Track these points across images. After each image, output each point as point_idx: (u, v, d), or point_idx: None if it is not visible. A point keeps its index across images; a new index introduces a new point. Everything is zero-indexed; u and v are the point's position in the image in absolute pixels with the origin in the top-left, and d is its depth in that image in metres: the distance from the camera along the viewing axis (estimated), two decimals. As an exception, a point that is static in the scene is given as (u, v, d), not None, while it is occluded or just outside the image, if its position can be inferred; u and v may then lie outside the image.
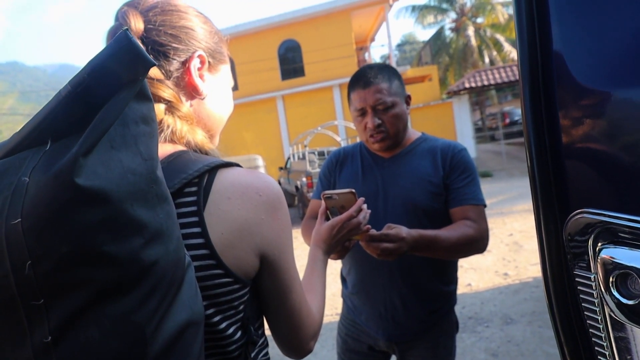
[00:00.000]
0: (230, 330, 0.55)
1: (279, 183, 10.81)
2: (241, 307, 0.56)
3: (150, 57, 0.41)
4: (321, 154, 10.61)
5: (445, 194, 1.18)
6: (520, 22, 0.39)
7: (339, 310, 3.52)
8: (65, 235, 0.36)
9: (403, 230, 1.01)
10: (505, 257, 4.37)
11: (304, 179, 8.15)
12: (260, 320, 0.63)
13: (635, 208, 0.31)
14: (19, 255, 0.36)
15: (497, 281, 3.73)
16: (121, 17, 0.56)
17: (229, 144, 14.70)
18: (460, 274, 3.99)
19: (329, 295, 3.97)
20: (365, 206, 0.90)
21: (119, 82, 0.39)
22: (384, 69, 1.20)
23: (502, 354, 2.51)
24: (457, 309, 3.20)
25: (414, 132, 1.30)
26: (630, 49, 0.33)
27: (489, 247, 4.86)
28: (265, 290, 0.59)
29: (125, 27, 0.41)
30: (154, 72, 0.56)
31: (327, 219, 0.91)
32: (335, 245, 0.85)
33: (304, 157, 8.82)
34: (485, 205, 1.18)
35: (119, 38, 0.40)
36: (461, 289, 3.64)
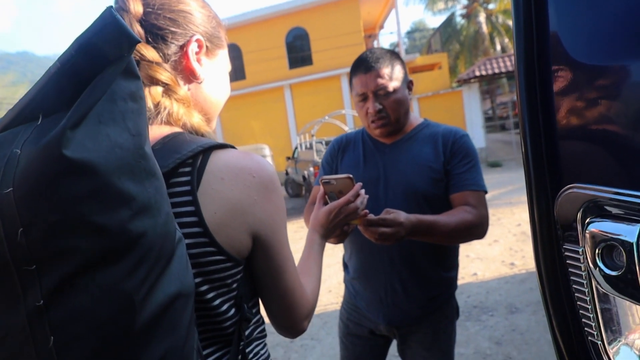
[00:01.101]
0: (224, 307, 0.57)
1: (287, 173, 10.83)
2: (234, 285, 0.57)
3: (135, 34, 0.42)
4: (328, 143, 10.57)
5: (446, 179, 1.18)
6: (517, 5, 0.39)
7: (345, 298, 3.57)
8: (54, 205, 0.37)
9: (401, 215, 1.01)
10: (513, 247, 4.35)
11: (311, 169, 8.16)
12: (255, 299, 0.64)
13: (621, 181, 0.32)
14: (11, 223, 0.37)
15: (504, 271, 3.73)
16: (121, 0, 0.57)
17: (237, 133, 14.75)
18: (467, 263, 4.00)
19: (335, 283, 4.00)
20: (363, 191, 0.91)
21: (105, 58, 0.41)
22: (386, 54, 1.20)
23: (506, 342, 2.52)
24: (462, 297, 3.21)
25: (416, 118, 1.29)
26: (622, 26, 0.33)
27: (496, 237, 4.84)
28: (259, 270, 0.60)
29: (110, 5, 0.42)
30: (151, 55, 0.57)
31: (326, 203, 0.92)
32: (333, 229, 0.86)
33: (311, 147, 8.83)
34: (485, 191, 1.18)
35: (104, 15, 0.41)
36: (467, 278, 3.65)
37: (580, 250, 0.35)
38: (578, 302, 0.36)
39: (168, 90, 0.59)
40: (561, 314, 0.37)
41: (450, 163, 1.18)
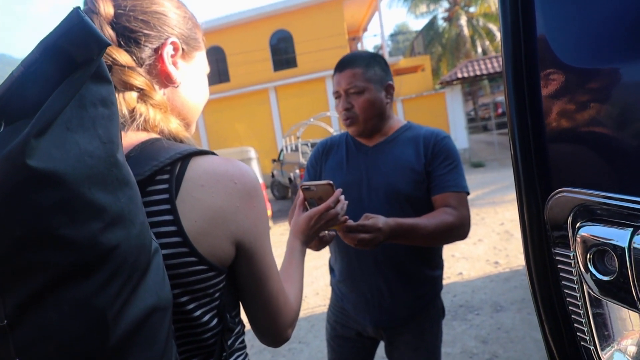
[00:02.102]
0: (206, 318, 0.55)
1: (272, 175, 10.78)
2: (217, 294, 0.56)
3: (103, 36, 0.39)
4: (314, 145, 10.59)
5: (428, 181, 1.19)
6: (504, 2, 0.39)
7: (332, 300, 3.56)
8: (19, 218, 0.35)
9: (380, 220, 1.01)
10: (497, 246, 4.42)
11: (297, 171, 8.15)
12: (238, 308, 0.62)
13: (611, 185, 0.31)
14: None
15: (488, 269, 3.78)
16: (90, 1, 0.54)
17: (222, 136, 14.61)
18: (452, 263, 4.04)
19: (323, 286, 3.99)
20: (342, 197, 0.91)
21: (73, 61, 0.38)
22: (365, 55, 1.22)
23: (492, 341, 2.55)
24: (448, 297, 3.24)
25: (398, 120, 1.30)
26: (611, 28, 0.33)
27: (480, 236, 4.91)
28: (242, 278, 0.59)
29: (77, 6, 0.40)
30: (124, 59, 0.55)
31: (306, 209, 0.92)
32: (313, 235, 0.85)
33: (297, 149, 8.81)
34: (467, 193, 1.19)
35: (70, 16, 0.38)
36: (452, 277, 3.68)
37: (571, 254, 0.35)
38: (570, 307, 0.36)
39: (143, 95, 0.56)
40: (553, 318, 0.37)
41: (431, 165, 1.19)
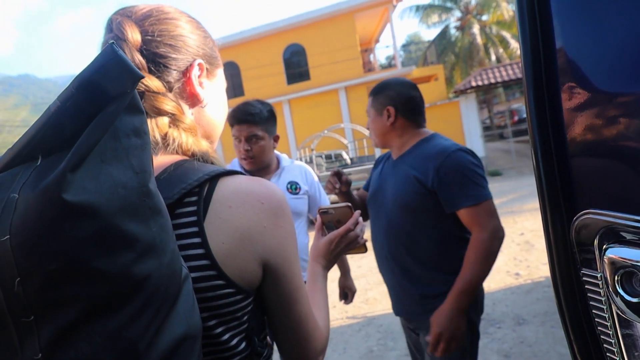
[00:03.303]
0: (234, 342, 0.54)
1: (287, 187, 10.78)
2: (245, 317, 0.55)
3: (138, 70, 0.40)
4: (328, 157, 10.60)
5: (437, 197, 1.27)
6: (523, 22, 0.40)
7: (349, 314, 3.52)
8: (54, 252, 0.35)
9: (438, 317, 1.22)
10: (517, 256, 4.32)
11: (312, 182, 8.16)
12: (265, 331, 0.61)
13: (636, 207, 0.31)
14: (8, 272, 0.36)
15: (509, 281, 3.69)
16: (117, 29, 0.55)
17: (237, 149, 14.76)
18: (472, 274, 3.95)
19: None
20: (361, 219, 0.91)
21: (107, 95, 0.39)
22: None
23: (515, 355, 2.48)
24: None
25: (419, 133, 1.39)
26: (634, 46, 0.33)
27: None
28: (270, 300, 0.57)
29: (112, 42, 0.41)
30: (155, 85, 0.55)
31: (325, 234, 0.91)
32: (334, 259, 0.83)
33: (311, 161, 8.84)
34: (486, 199, 1.23)
35: (106, 52, 0.39)
36: (473, 289, 3.60)
37: (598, 275, 0.35)
38: (599, 327, 0.36)
39: (175, 120, 0.57)
40: (582, 338, 0.37)
41: (439, 183, 1.25)
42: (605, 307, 0.35)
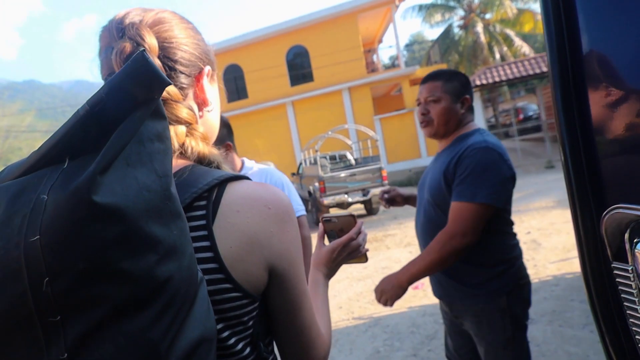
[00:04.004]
0: (239, 346, 0.54)
1: (292, 188, 10.79)
2: (250, 322, 0.55)
3: (166, 77, 0.41)
4: (332, 158, 10.59)
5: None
6: (549, 26, 0.40)
7: (355, 315, 3.52)
8: (83, 252, 0.36)
9: (385, 281, 1.34)
10: (524, 255, 4.28)
11: (317, 184, 8.17)
12: (270, 336, 0.61)
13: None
14: (37, 271, 0.36)
15: (516, 280, 3.67)
16: (136, 34, 0.54)
17: (241, 151, 14.74)
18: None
19: (345, 299, 3.95)
20: (364, 229, 0.91)
21: (135, 101, 0.40)
22: (447, 71, 1.45)
23: (525, 354, 2.47)
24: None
25: (466, 127, 1.42)
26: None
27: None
28: (275, 306, 0.58)
29: (142, 49, 0.42)
30: (174, 92, 0.56)
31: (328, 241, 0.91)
32: (336, 268, 0.83)
33: (315, 162, 8.85)
34: (473, 202, 1.22)
35: (137, 59, 0.40)
36: (479, 289, 3.59)
37: (630, 269, 0.36)
38: (631, 320, 0.37)
39: (191, 129, 0.58)
40: (614, 332, 0.38)
41: (454, 175, 1.30)
42: (637, 300, 0.36)
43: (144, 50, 0.41)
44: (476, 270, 1.33)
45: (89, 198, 0.36)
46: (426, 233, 1.40)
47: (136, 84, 0.40)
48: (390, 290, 1.31)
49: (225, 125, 1.71)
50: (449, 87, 1.38)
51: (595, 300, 0.40)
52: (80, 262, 0.36)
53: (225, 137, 1.70)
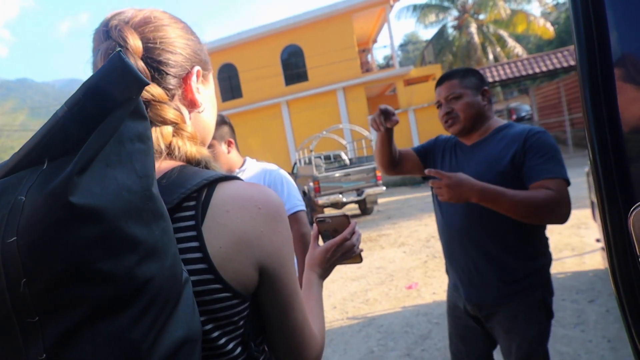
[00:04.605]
0: (230, 346, 0.54)
1: (287, 188, 10.77)
2: (241, 322, 0.55)
3: (143, 77, 0.41)
4: (327, 158, 10.60)
5: (519, 173, 1.28)
6: (578, 26, 0.40)
7: (350, 314, 3.52)
8: (60, 253, 0.36)
9: (461, 175, 1.20)
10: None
11: (311, 184, 8.16)
12: (262, 336, 0.61)
13: None
14: (15, 273, 0.36)
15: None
16: (118, 36, 0.54)
17: (236, 151, 14.75)
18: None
19: (340, 299, 3.96)
20: (357, 229, 0.91)
21: (113, 101, 0.40)
22: (460, 69, 1.46)
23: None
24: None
25: (498, 121, 1.44)
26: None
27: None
28: (267, 306, 0.58)
29: (119, 49, 0.42)
30: (158, 93, 0.55)
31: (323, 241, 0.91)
32: (330, 268, 0.83)
33: (310, 162, 8.85)
34: (566, 179, 1.23)
35: (113, 59, 0.40)
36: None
37: None
38: None
39: (178, 129, 0.57)
40: None
41: (523, 158, 1.27)
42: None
43: (120, 50, 0.41)
44: (518, 262, 1.33)
45: (66, 199, 0.36)
46: (474, 221, 1.34)
47: (113, 84, 0.40)
48: (458, 190, 1.19)
49: (226, 123, 1.74)
50: (466, 82, 1.40)
51: (622, 295, 0.40)
52: (57, 263, 0.36)
53: (227, 134, 1.73)
